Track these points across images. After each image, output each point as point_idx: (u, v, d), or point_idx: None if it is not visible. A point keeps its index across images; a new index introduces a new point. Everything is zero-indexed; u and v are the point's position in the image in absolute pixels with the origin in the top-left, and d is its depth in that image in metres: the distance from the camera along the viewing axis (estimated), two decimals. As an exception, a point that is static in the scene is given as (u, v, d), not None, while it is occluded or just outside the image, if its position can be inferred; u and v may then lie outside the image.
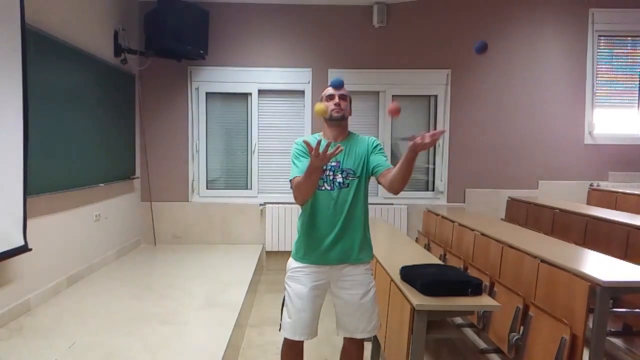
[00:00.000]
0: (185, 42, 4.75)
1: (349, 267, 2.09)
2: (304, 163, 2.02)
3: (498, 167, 5.45)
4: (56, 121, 3.50)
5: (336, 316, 2.16)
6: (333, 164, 2.06)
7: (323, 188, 2.05)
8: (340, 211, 2.04)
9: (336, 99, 2.09)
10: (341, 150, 1.78)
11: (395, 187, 1.92)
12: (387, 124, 5.42)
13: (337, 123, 2.11)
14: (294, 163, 2.10)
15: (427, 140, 1.75)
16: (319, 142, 1.74)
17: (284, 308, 2.15)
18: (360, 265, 2.10)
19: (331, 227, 2.05)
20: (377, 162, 2.06)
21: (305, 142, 1.78)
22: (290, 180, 2.08)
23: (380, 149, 2.12)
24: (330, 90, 2.14)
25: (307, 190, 1.99)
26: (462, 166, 5.42)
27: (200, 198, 5.43)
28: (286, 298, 2.14)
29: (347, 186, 2.05)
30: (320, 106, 2.06)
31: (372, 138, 2.16)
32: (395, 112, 1.98)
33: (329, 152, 1.73)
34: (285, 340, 2.16)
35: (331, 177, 2.06)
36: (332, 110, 2.08)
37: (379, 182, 2.07)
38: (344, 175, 2.06)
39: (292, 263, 2.16)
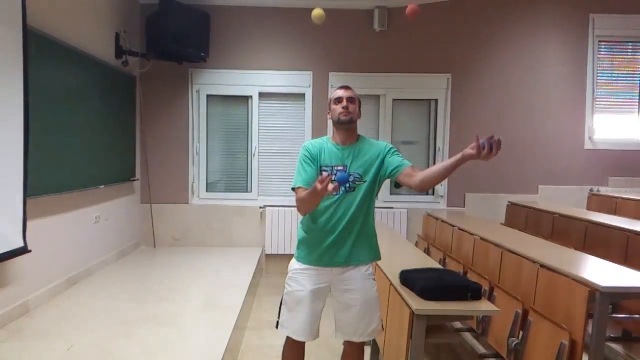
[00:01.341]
0: (186, 44, 4.76)
1: (351, 271, 2.08)
2: (308, 172, 2.03)
3: (498, 172, 5.45)
4: (56, 122, 3.51)
5: (335, 319, 2.15)
6: (339, 168, 2.04)
7: None
8: (343, 215, 2.02)
9: (344, 102, 2.07)
10: (336, 188, 1.77)
11: (427, 186, 1.93)
12: (388, 128, 5.43)
13: (345, 126, 2.08)
14: (298, 169, 2.08)
15: (488, 153, 1.72)
16: (328, 179, 1.73)
17: (283, 306, 2.15)
18: (362, 268, 2.09)
19: (333, 230, 2.03)
20: (396, 163, 2.03)
21: (322, 178, 1.75)
22: (293, 189, 2.07)
23: (395, 151, 2.10)
24: (338, 93, 2.12)
25: (309, 207, 2.00)
26: (462, 170, 5.35)
27: (200, 200, 5.43)
28: (285, 297, 2.14)
29: (353, 190, 2.03)
30: (318, 10, 2.00)
31: (386, 143, 2.13)
32: (413, 14, 1.92)
33: (329, 189, 1.74)
34: (287, 339, 2.17)
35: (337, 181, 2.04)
36: (340, 113, 2.06)
37: (400, 182, 2.02)
38: (350, 180, 2.04)
39: (293, 264, 2.16)
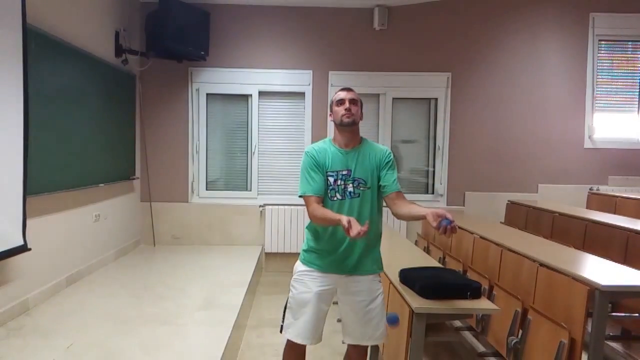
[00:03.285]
0: (186, 43, 4.75)
1: (358, 275, 2.07)
2: (317, 180, 2.02)
3: (498, 171, 5.45)
4: (56, 121, 3.50)
5: (342, 323, 2.14)
6: (344, 172, 2.04)
7: (335, 198, 2.03)
8: None
9: (346, 104, 2.05)
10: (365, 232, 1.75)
11: (399, 219, 2.07)
12: (388, 127, 5.43)
13: (348, 128, 2.06)
14: (305, 177, 2.06)
15: (442, 233, 1.77)
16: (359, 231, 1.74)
17: (287, 310, 2.13)
18: (369, 275, 2.09)
19: (343, 237, 2.01)
20: (386, 181, 2.04)
21: (346, 224, 1.75)
22: (301, 196, 2.06)
23: (392, 165, 2.09)
24: (340, 95, 2.09)
25: (325, 226, 2.02)
26: (462, 169, 5.42)
27: (200, 199, 5.43)
28: (291, 300, 2.12)
29: (358, 196, 2.03)
30: None
31: (386, 150, 2.12)
32: None
33: (360, 234, 1.73)
34: (288, 342, 2.14)
35: (342, 187, 2.03)
36: (343, 115, 2.04)
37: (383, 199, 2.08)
38: (355, 185, 2.03)
39: (299, 266, 2.15)
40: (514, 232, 3.70)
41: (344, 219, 1.77)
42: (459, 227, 3.78)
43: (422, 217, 1.84)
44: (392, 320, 1.97)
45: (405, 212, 1.97)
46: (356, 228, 1.73)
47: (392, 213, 2.04)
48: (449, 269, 2.62)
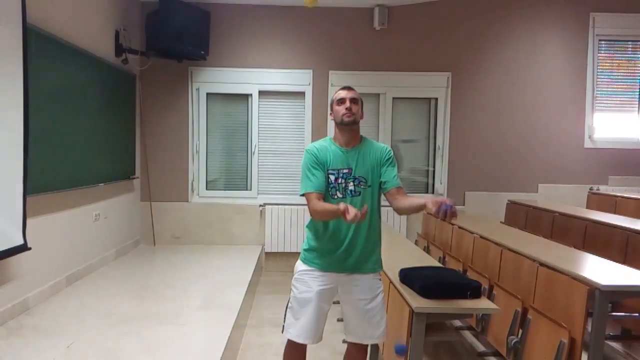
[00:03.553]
0: (186, 42, 4.75)
1: (358, 275, 2.08)
2: (318, 177, 2.02)
3: (498, 170, 5.45)
4: (56, 120, 3.50)
5: (344, 321, 2.14)
6: (345, 170, 2.04)
7: (335, 197, 2.03)
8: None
9: (347, 103, 2.05)
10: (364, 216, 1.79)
11: (400, 213, 2.08)
12: (388, 127, 5.43)
13: (349, 127, 2.07)
14: (306, 175, 2.06)
15: (442, 218, 1.80)
16: (358, 214, 1.76)
17: (289, 310, 2.13)
18: (370, 274, 2.09)
19: (343, 236, 2.03)
20: (386, 177, 2.06)
21: (343, 212, 1.79)
22: (302, 195, 2.07)
23: (392, 161, 2.10)
24: (341, 94, 2.09)
25: (327, 219, 2.02)
26: (462, 169, 5.42)
27: (200, 198, 5.43)
28: (292, 300, 2.12)
29: (359, 194, 2.04)
30: None
31: (386, 147, 2.13)
32: None
33: (357, 217, 1.75)
34: (289, 341, 2.14)
35: (343, 185, 2.04)
36: (344, 114, 2.05)
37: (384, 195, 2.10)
38: (355, 183, 2.04)
39: (300, 266, 2.15)
40: (514, 232, 3.70)
41: (341, 205, 1.79)
42: (459, 227, 3.79)
43: (423, 206, 1.86)
44: (400, 350, 1.97)
45: (406, 205, 1.98)
46: (353, 211, 1.74)
47: (394, 208, 2.04)
48: (449, 269, 2.62)
